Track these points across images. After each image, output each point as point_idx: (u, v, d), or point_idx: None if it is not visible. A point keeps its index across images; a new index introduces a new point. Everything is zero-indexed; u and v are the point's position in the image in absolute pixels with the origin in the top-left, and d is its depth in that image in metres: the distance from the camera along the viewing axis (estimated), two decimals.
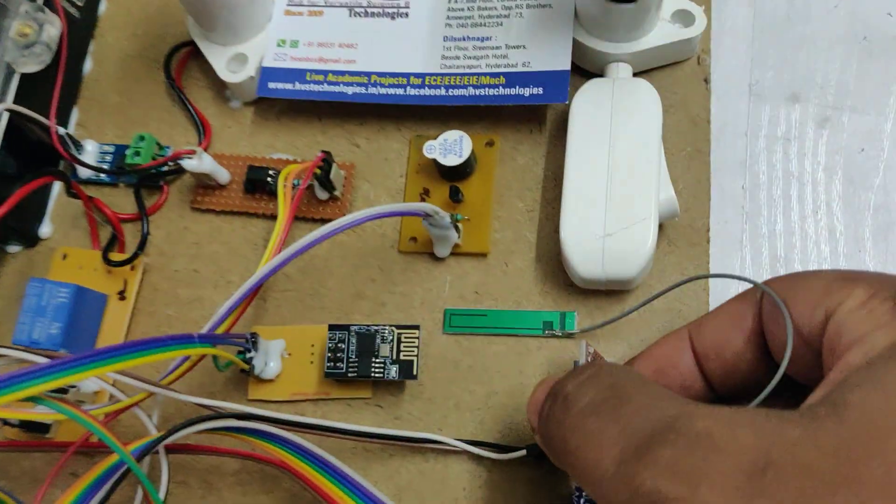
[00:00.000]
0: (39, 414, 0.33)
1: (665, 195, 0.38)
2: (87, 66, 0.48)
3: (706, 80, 0.43)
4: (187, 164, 0.41)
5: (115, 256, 0.43)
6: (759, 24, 0.44)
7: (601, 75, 0.42)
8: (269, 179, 0.42)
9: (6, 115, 0.39)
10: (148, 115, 0.47)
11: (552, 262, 0.41)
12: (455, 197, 0.41)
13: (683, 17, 0.42)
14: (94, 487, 0.33)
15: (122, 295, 0.42)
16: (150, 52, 0.48)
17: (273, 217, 0.43)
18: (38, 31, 0.41)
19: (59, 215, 0.45)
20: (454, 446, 0.38)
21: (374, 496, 0.34)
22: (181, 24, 0.47)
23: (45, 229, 0.45)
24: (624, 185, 0.38)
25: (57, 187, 0.46)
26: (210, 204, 0.44)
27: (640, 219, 0.37)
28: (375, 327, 0.38)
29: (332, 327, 0.39)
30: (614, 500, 0.25)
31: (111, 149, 0.46)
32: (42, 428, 0.40)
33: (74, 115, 0.47)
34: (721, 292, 0.40)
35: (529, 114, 0.44)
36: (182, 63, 0.47)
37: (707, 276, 0.40)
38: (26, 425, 0.39)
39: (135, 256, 0.42)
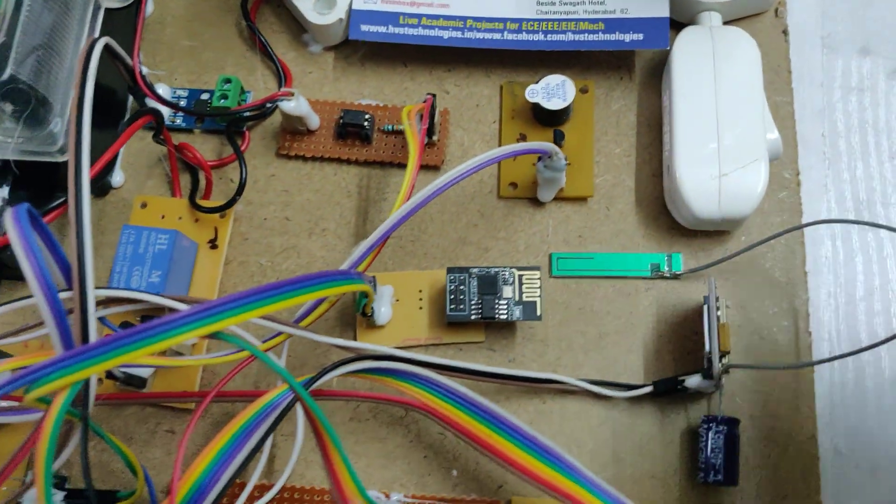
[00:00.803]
0: (202, 360, 0.32)
1: (771, 136, 0.40)
2: (149, 8, 0.45)
3: (784, 32, 0.45)
4: (285, 105, 0.40)
5: (205, 204, 0.41)
6: None
7: (688, 24, 0.43)
8: (365, 124, 0.41)
9: (98, 50, 0.37)
10: (223, 59, 0.45)
11: (653, 206, 0.42)
12: (559, 141, 0.41)
13: None
14: (243, 434, 0.32)
15: (213, 244, 0.41)
16: None
17: (365, 163, 0.42)
18: None
19: (130, 163, 0.43)
20: (579, 387, 0.38)
21: (523, 431, 0.34)
22: None
23: (117, 178, 0.42)
24: (733, 127, 0.39)
25: None
26: (299, 150, 0.42)
27: (752, 159, 0.39)
28: (496, 269, 0.38)
29: (450, 270, 0.38)
30: None
31: (185, 93, 0.43)
32: (139, 382, 0.38)
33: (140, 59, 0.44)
34: (811, 235, 0.41)
35: (618, 61, 0.44)
36: (255, 6, 0.45)
37: (822, 223, 0.41)
38: (127, 380, 0.37)
39: (233, 202, 0.40)
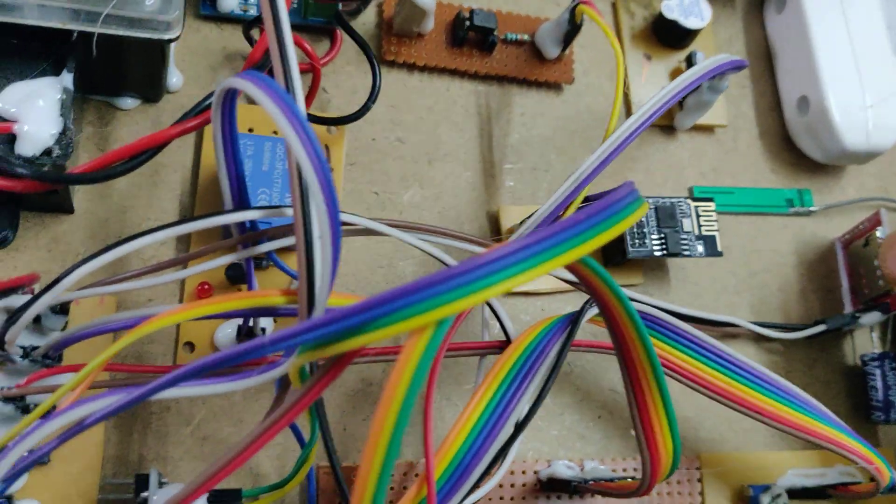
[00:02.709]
0: None
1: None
2: None
3: None
4: None
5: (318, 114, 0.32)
6: None
7: None
8: (493, 28, 0.34)
9: None
10: None
11: (776, 139, 0.39)
12: (693, 64, 0.37)
13: None
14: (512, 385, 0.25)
15: None
16: None
17: (482, 77, 0.36)
18: None
19: (186, 61, 0.32)
20: (753, 330, 0.34)
21: (765, 377, 0.30)
22: None
23: (174, 79, 0.32)
24: (870, 59, 0.38)
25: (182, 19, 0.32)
26: (408, 56, 0.34)
27: (891, 89, 0.37)
28: (671, 199, 0.34)
29: None
30: None
31: None
32: None
33: None
34: None
35: None
36: None
37: None
38: None
39: (364, 110, 0.31)
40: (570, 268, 0.21)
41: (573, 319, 0.26)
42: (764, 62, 0.40)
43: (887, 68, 0.38)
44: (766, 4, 0.41)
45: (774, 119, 0.39)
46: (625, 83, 0.37)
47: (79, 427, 0.21)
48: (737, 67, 0.33)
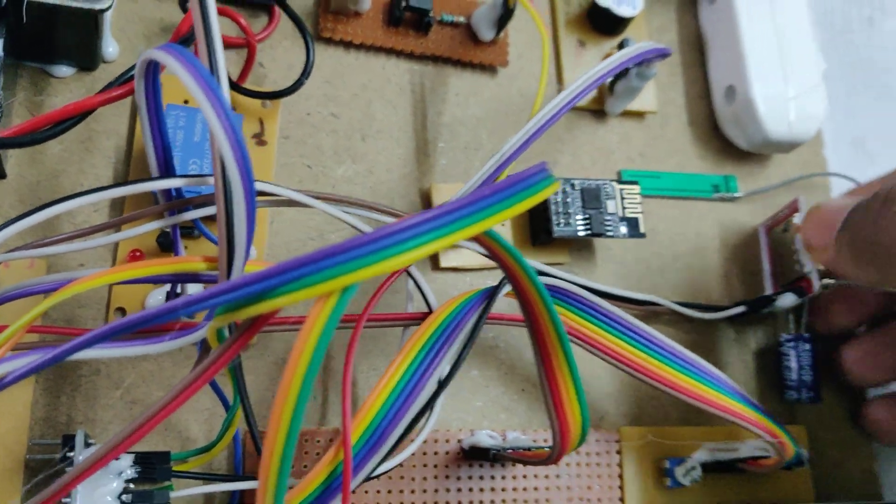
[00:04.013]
0: None
1: (817, 55, 0.40)
2: None
3: None
4: None
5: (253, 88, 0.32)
6: None
7: None
8: (429, 10, 0.35)
9: None
10: None
11: (704, 126, 0.41)
12: None
13: None
14: (429, 353, 0.26)
15: (259, 139, 0.32)
16: None
17: (418, 56, 0.36)
18: None
19: (123, 31, 0.33)
20: (673, 309, 0.36)
21: (677, 352, 0.31)
22: None
23: (110, 49, 0.32)
24: (795, 53, 0.39)
25: None
26: (344, 34, 0.35)
27: (814, 83, 0.39)
28: (595, 182, 0.35)
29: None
30: None
31: None
32: None
33: None
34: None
35: None
36: None
37: None
38: None
39: (298, 85, 0.32)
40: (479, 241, 0.22)
41: (490, 293, 0.27)
42: (696, 52, 0.42)
43: (810, 62, 0.39)
44: None
45: (703, 107, 0.41)
46: (558, 68, 0.38)
47: (1, 383, 0.21)
48: (662, 55, 0.34)
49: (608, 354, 0.30)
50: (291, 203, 0.26)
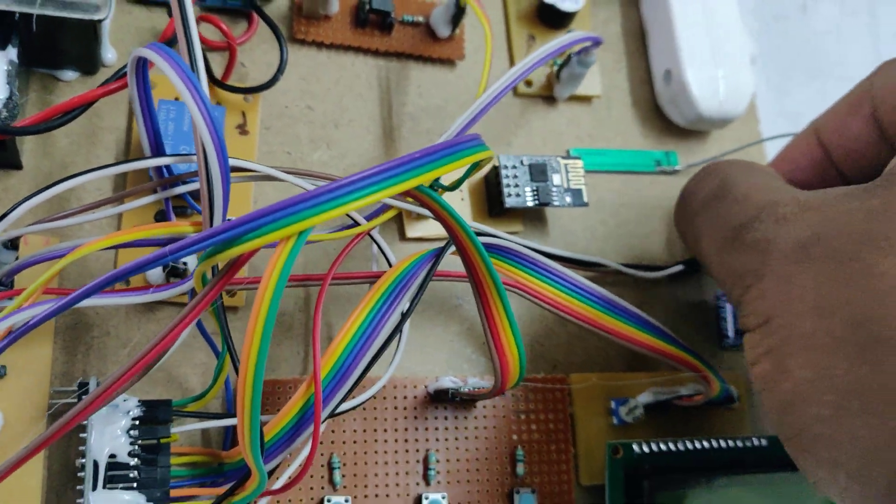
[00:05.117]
0: None
1: (747, 40, 0.45)
2: None
3: None
4: None
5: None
6: None
7: None
8: (391, 12, 0.40)
9: None
10: None
11: (647, 108, 0.45)
12: None
13: None
14: (384, 305, 0.30)
15: (242, 129, 0.37)
16: None
17: (383, 53, 0.41)
18: None
19: (120, 39, 0.37)
20: (618, 269, 0.40)
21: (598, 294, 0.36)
22: None
23: (109, 54, 0.37)
24: (723, 36, 0.44)
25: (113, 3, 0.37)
26: (316, 35, 0.40)
27: (742, 63, 0.43)
28: (542, 158, 0.39)
29: (503, 158, 0.38)
30: (719, 279, 0.31)
31: None
32: None
33: None
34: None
35: None
36: None
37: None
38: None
39: (273, 81, 0.36)
40: (416, 198, 0.27)
41: (439, 251, 0.32)
42: (638, 41, 0.46)
43: (739, 45, 0.44)
44: None
45: (646, 90, 0.45)
46: (511, 60, 0.43)
47: (24, 327, 0.26)
48: (595, 43, 0.39)
49: (545, 301, 0.34)
50: (267, 177, 0.30)
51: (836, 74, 0.51)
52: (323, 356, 0.29)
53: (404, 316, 0.30)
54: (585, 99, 0.44)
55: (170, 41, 0.32)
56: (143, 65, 0.27)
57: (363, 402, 0.33)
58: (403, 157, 0.25)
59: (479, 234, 0.34)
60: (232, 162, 0.28)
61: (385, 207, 0.34)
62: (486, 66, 0.36)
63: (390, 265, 0.34)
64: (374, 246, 0.35)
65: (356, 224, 0.32)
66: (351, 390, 0.30)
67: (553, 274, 0.35)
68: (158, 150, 0.29)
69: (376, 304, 0.30)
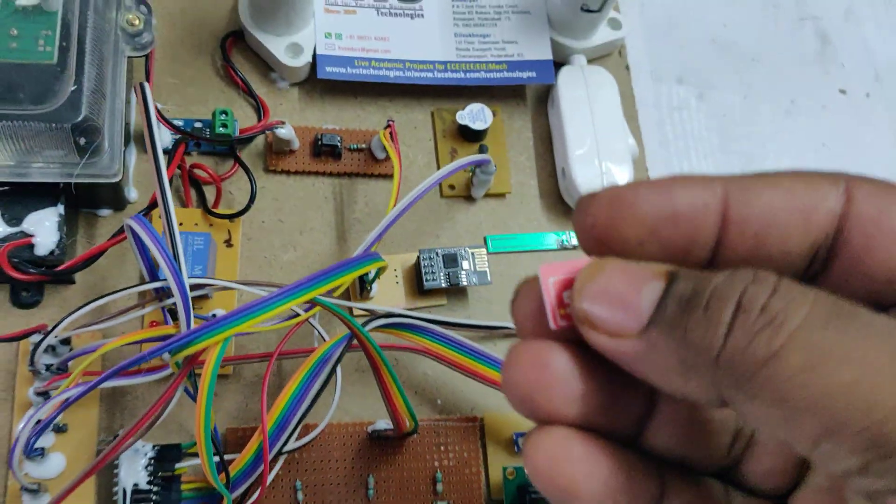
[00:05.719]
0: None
1: (630, 141, 0.56)
2: None
3: (626, 68, 0.62)
4: (279, 131, 0.51)
5: (220, 211, 0.51)
6: (649, 31, 0.64)
7: (564, 63, 0.59)
8: (338, 144, 0.53)
9: (149, 91, 0.46)
10: (205, 94, 0.54)
11: (552, 198, 0.57)
12: (484, 153, 0.55)
13: (613, 24, 0.60)
14: (311, 375, 0.43)
15: (228, 243, 0.51)
16: (190, 39, 0.55)
17: (336, 174, 0.54)
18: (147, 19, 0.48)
19: (140, 181, 0.52)
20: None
21: (495, 357, 0.48)
22: (215, 15, 0.55)
23: (133, 194, 0.51)
24: (606, 139, 0.55)
25: (134, 156, 0.52)
26: (284, 166, 0.53)
27: (622, 161, 0.55)
28: (454, 249, 0.52)
29: (422, 251, 0.51)
30: None
31: (181, 123, 0.53)
32: None
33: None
34: None
35: (516, 92, 0.59)
36: (230, 50, 0.55)
37: None
38: None
39: (248, 208, 0.50)
40: (316, 305, 0.40)
41: (350, 336, 0.44)
42: (546, 143, 0.58)
43: (618, 145, 0.55)
44: (548, 101, 0.58)
45: (552, 184, 0.57)
46: (438, 168, 0.56)
47: (66, 403, 0.40)
48: (480, 162, 0.51)
49: (444, 359, 0.46)
50: (225, 288, 0.44)
51: (733, 150, 0.62)
52: (269, 413, 0.42)
53: (326, 380, 0.43)
54: (500, 195, 0.56)
55: (155, 203, 0.46)
56: (130, 228, 0.41)
57: (308, 443, 0.46)
58: (308, 276, 0.38)
59: (393, 315, 0.46)
60: (196, 281, 0.42)
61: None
62: (395, 188, 0.49)
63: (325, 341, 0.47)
64: (315, 330, 0.48)
65: (297, 315, 0.45)
66: (292, 434, 0.43)
67: (446, 338, 0.47)
68: (153, 276, 0.43)
69: (306, 374, 0.43)
